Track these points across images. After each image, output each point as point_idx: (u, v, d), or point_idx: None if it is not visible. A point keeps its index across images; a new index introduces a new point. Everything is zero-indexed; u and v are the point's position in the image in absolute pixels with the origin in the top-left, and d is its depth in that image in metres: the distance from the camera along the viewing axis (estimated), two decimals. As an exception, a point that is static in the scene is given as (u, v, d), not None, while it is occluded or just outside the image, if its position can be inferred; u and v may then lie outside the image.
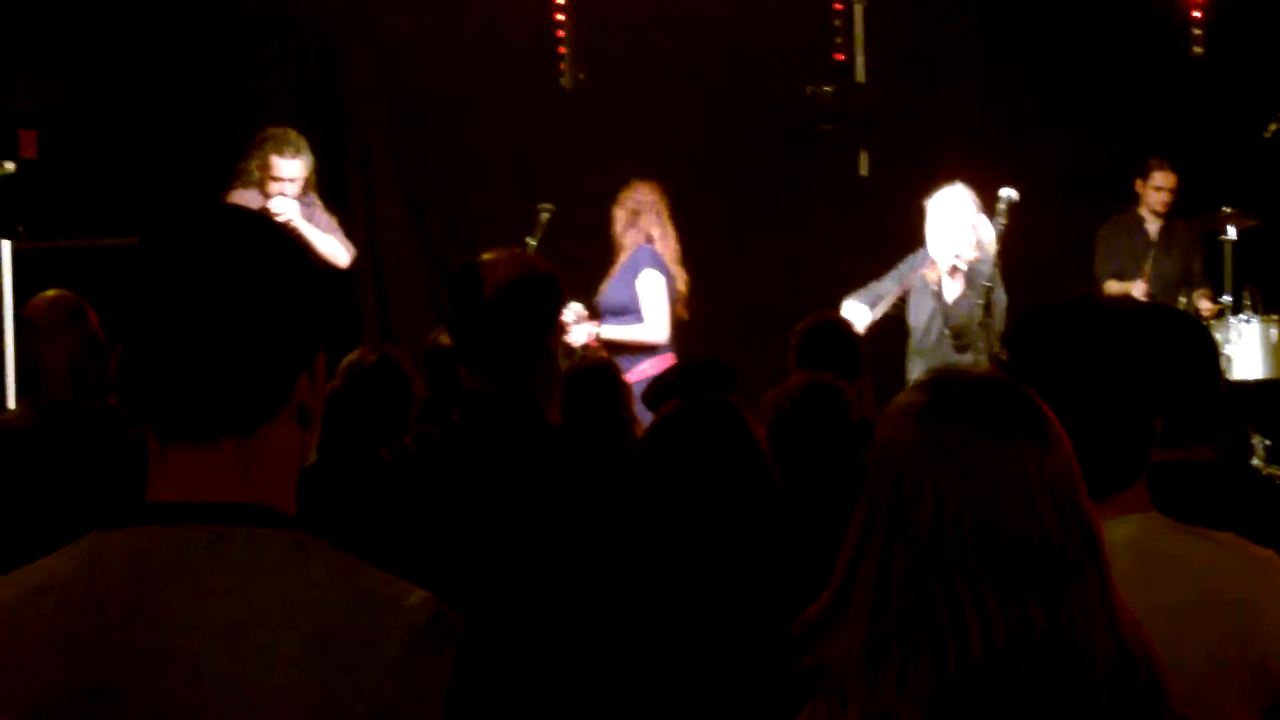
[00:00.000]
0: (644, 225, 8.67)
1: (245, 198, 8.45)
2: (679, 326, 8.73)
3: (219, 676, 1.80)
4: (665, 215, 8.76)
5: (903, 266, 8.77)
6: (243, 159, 8.69)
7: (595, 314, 8.69)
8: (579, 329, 8.46)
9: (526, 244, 8.79)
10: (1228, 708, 2.57)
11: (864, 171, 11.87)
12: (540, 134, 11.47)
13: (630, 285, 8.58)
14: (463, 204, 11.31)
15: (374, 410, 5.07)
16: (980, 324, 8.26)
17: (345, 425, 5.01)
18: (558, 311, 3.95)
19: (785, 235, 11.40)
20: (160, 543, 1.86)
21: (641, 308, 8.54)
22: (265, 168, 8.55)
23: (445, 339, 5.63)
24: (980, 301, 8.22)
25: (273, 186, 8.55)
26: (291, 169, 8.57)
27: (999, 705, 1.97)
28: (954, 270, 8.32)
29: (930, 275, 8.48)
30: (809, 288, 8.87)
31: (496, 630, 3.24)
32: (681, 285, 8.72)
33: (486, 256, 3.90)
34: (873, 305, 8.57)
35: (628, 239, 8.69)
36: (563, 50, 11.70)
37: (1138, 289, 10.31)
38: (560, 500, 3.63)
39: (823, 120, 11.63)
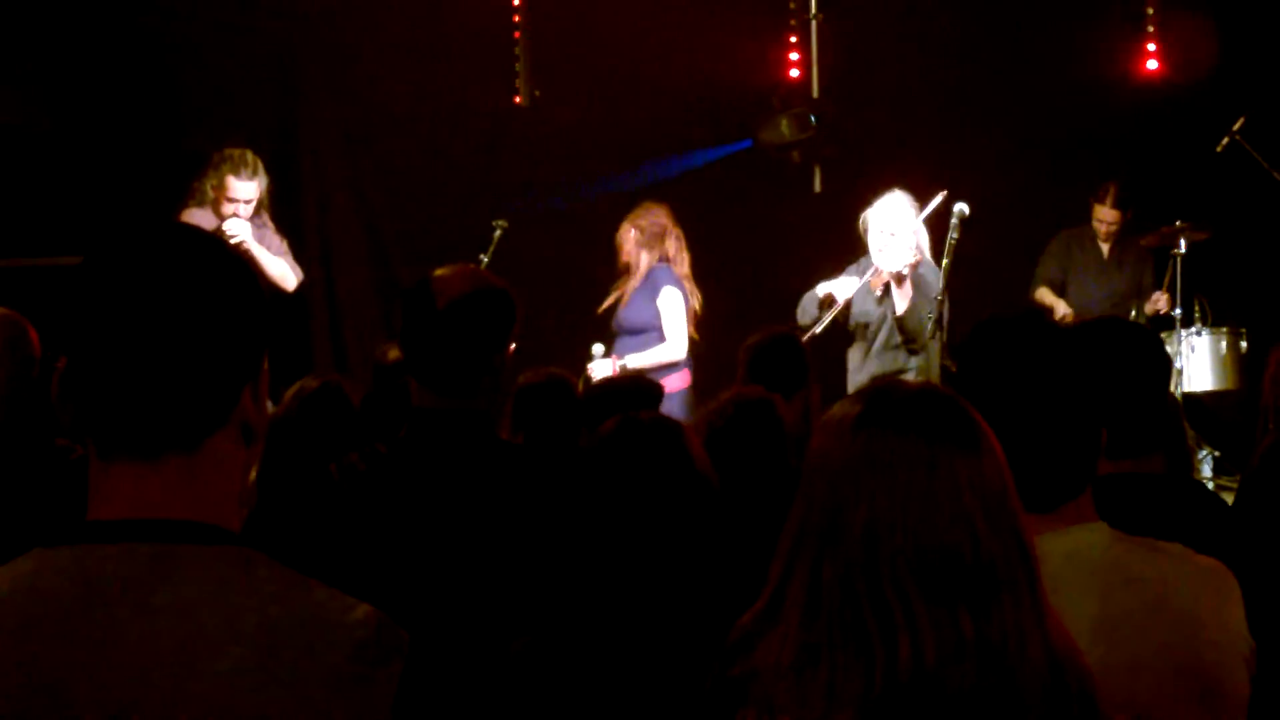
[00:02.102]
0: (661, 247, 8.76)
1: (199, 217, 8.45)
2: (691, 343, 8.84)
3: (163, 695, 1.79)
4: (681, 237, 8.87)
5: (851, 269, 8.76)
6: (198, 178, 8.68)
7: (614, 332, 8.80)
8: (602, 364, 8.51)
9: (479, 260, 8.81)
10: (1172, 718, 2.57)
11: (818, 188, 11.91)
12: (495, 152, 11.47)
13: (650, 305, 8.68)
14: (417, 222, 11.30)
15: (317, 435, 5.08)
16: (932, 336, 8.26)
17: (289, 450, 5.01)
18: (510, 327, 3.92)
19: (739, 251, 11.43)
20: (103, 561, 1.85)
21: (663, 326, 8.66)
22: (220, 188, 8.55)
23: (395, 354, 5.63)
24: (931, 315, 8.22)
25: (227, 207, 8.54)
26: (247, 190, 8.58)
27: (929, 715, 1.97)
28: (901, 279, 8.26)
29: (875, 281, 8.44)
30: (761, 302, 8.89)
31: (444, 644, 3.25)
32: (696, 304, 8.84)
33: (439, 271, 3.88)
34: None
35: (644, 261, 8.76)
36: (518, 68, 11.71)
37: (1061, 309, 10.36)
38: (508, 515, 3.62)
39: (788, 150, 11.68)
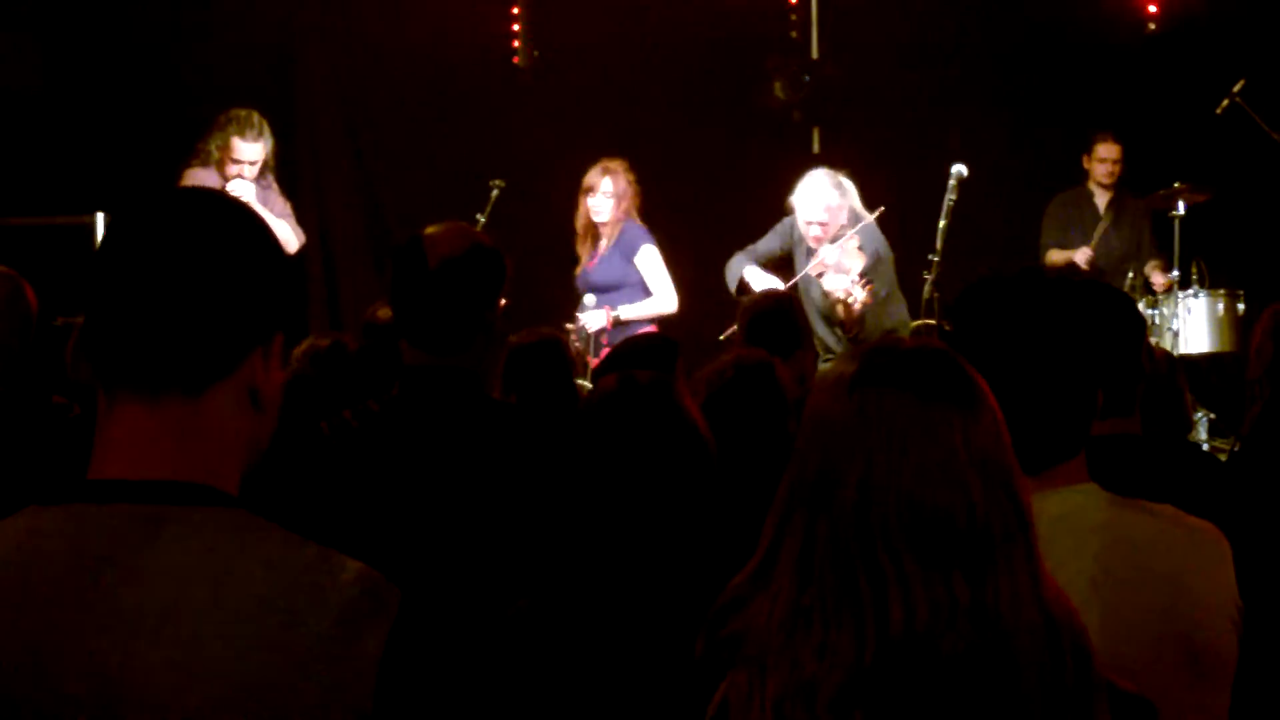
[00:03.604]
0: (629, 203, 8.77)
1: (203, 177, 8.48)
2: None
3: (151, 657, 1.79)
4: (639, 193, 8.91)
5: (780, 228, 8.77)
6: (203, 138, 8.68)
7: (579, 291, 8.80)
8: (595, 314, 8.50)
9: (476, 220, 8.80)
10: (1162, 679, 2.55)
11: (817, 149, 11.89)
12: (494, 113, 11.45)
13: (625, 262, 8.69)
14: (414, 182, 11.29)
15: (331, 394, 5.08)
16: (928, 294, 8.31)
17: (302, 408, 5.02)
18: (501, 286, 3.92)
19: (737, 212, 11.41)
20: (94, 522, 1.85)
21: (650, 282, 8.70)
22: (226, 149, 8.57)
23: (385, 312, 5.62)
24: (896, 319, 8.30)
25: (231, 168, 8.56)
26: (252, 151, 8.59)
27: (921, 679, 1.95)
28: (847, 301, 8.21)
29: (815, 270, 8.42)
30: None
31: (433, 602, 3.25)
32: None
33: (430, 230, 3.88)
34: (761, 266, 8.66)
35: (612, 216, 8.74)
36: (517, 29, 11.68)
37: (1081, 256, 10.37)
38: (500, 474, 3.62)
39: (786, 111, 11.66)
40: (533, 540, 3.39)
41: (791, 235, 8.67)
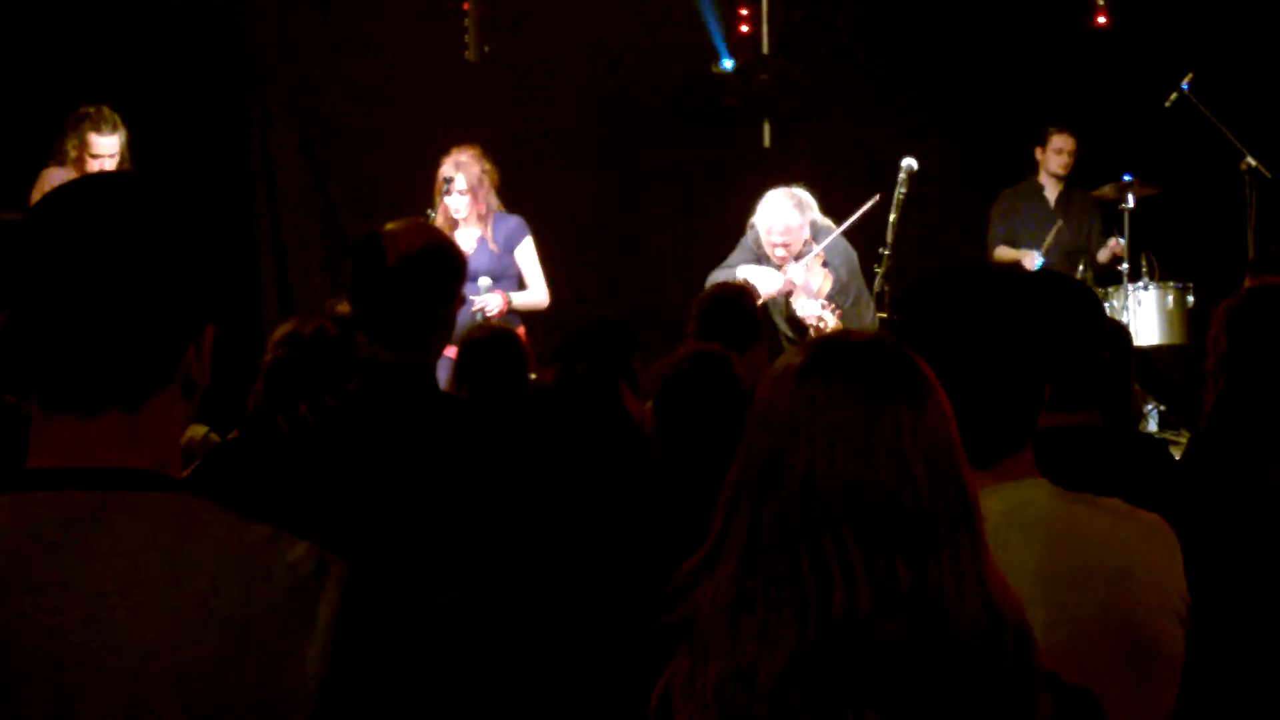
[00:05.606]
0: (485, 190, 8.68)
1: (62, 177, 8.46)
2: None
3: (112, 633, 1.81)
4: None
5: (746, 242, 8.77)
6: (59, 140, 8.68)
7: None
8: (493, 298, 8.44)
9: (428, 215, 8.76)
10: (1107, 675, 2.55)
11: (767, 143, 11.92)
12: (445, 106, 11.43)
13: (505, 253, 8.61)
14: (365, 178, 11.26)
15: (316, 380, 5.05)
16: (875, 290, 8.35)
17: (288, 394, 4.99)
18: (458, 282, 3.97)
19: (689, 206, 11.45)
20: (42, 508, 1.86)
21: (528, 276, 8.65)
22: (83, 146, 8.59)
23: (343, 308, 5.61)
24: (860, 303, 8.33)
25: (91, 164, 8.58)
26: (109, 145, 8.63)
27: (861, 663, 1.96)
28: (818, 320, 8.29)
29: (784, 289, 8.47)
30: (712, 258, 8.90)
31: (383, 592, 3.26)
32: None
33: (389, 226, 3.93)
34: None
35: (485, 205, 8.65)
36: (468, 23, 11.66)
37: (1029, 260, 10.38)
38: (454, 469, 3.64)
39: (727, 95, 11.68)
40: (482, 534, 3.40)
41: (758, 248, 8.67)
